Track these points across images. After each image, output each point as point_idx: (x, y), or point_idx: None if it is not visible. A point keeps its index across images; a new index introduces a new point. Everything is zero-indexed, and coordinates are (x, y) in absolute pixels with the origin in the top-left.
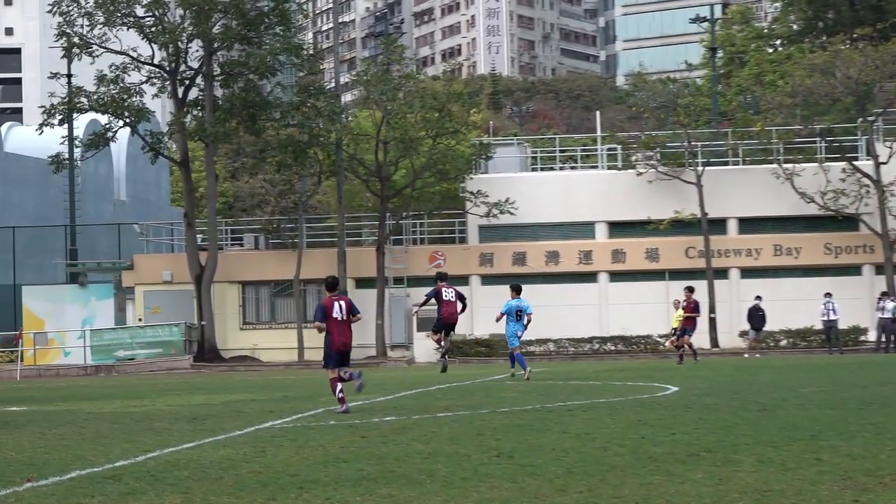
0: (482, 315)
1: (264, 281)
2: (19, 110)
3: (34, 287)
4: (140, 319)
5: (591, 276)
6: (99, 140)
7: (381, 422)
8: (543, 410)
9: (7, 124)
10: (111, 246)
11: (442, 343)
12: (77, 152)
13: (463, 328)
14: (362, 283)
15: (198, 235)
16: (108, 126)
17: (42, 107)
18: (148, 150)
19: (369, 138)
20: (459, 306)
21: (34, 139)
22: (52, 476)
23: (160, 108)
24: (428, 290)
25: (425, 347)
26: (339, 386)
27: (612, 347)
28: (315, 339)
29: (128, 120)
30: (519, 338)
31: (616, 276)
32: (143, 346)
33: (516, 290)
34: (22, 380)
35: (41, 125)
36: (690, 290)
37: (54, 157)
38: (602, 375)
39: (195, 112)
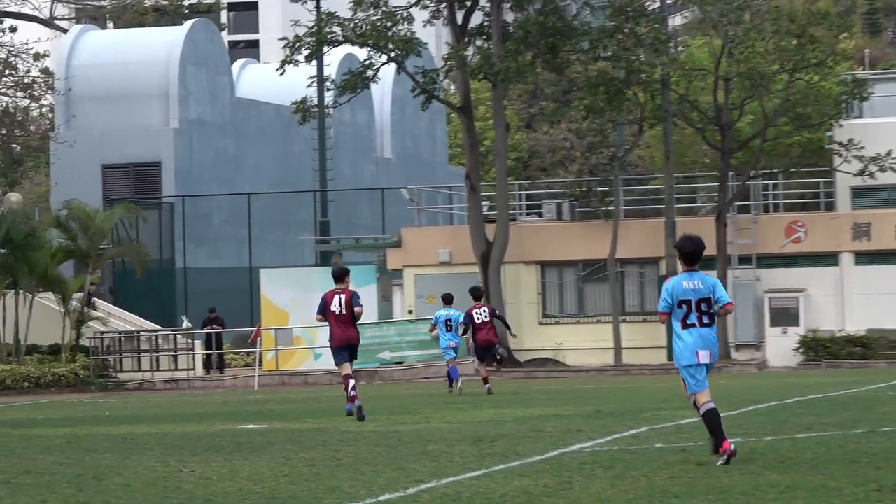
0: (856, 306)
1: (570, 261)
2: (255, 44)
3: (275, 270)
4: (410, 311)
5: None
6: (356, 81)
7: None
8: None
9: (240, 62)
10: (373, 217)
11: (487, 381)
12: (329, 97)
13: (830, 323)
14: None
15: (484, 202)
16: (367, 62)
17: (284, 39)
18: (419, 92)
19: (705, 74)
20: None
21: (274, 81)
22: None
23: (434, 38)
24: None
25: (780, 347)
26: (352, 383)
27: None
28: (636, 338)
29: (393, 54)
30: (454, 349)
31: None
32: (415, 345)
33: (447, 301)
34: (260, 389)
35: (283, 63)
36: None
37: (300, 104)
38: None
39: (479, 43)
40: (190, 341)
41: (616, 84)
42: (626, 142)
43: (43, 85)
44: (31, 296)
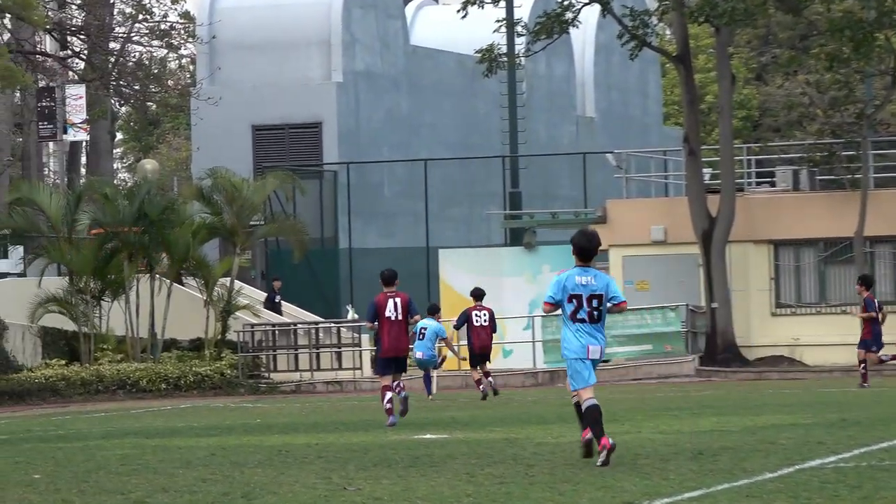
0: None
1: (809, 240)
2: None
3: (456, 251)
4: None
5: None
6: (553, 25)
7: None
8: None
9: (415, 4)
10: (573, 187)
11: (481, 382)
12: (520, 44)
13: None
14: None
15: (705, 170)
16: (566, 3)
17: None
18: (627, 38)
19: None
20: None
21: (455, 25)
22: None
23: None
24: None
25: None
26: (389, 395)
27: None
28: (891, 332)
29: None
30: (420, 359)
31: None
32: (623, 340)
33: (431, 312)
34: (439, 392)
35: (465, 4)
36: (861, 280)
37: (485, 53)
38: None
39: None
40: (356, 335)
41: (864, 27)
42: (877, 96)
43: (183, 32)
44: (168, 281)
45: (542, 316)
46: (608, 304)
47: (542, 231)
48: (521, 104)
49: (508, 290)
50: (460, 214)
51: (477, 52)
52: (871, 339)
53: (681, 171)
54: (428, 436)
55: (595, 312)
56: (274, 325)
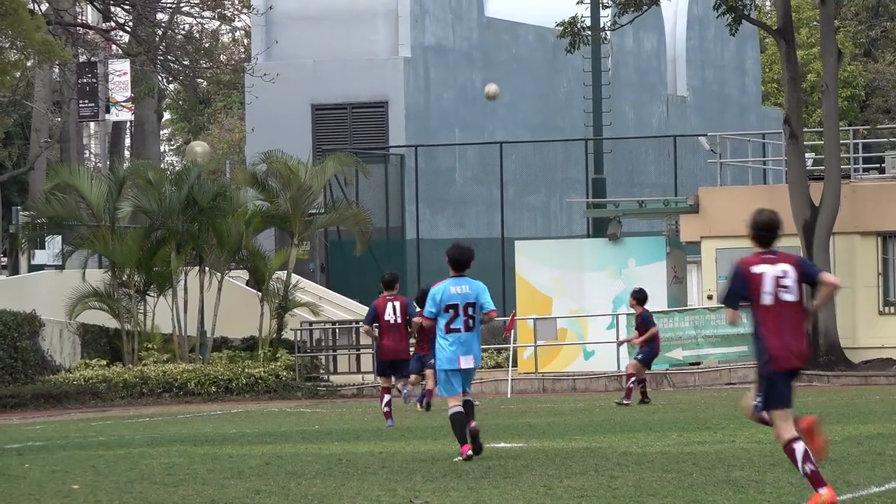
0: None
1: None
2: None
3: (532, 243)
4: (710, 297)
5: None
6: None
7: None
8: None
9: None
10: (663, 173)
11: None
12: (605, 15)
13: None
14: None
15: (808, 154)
16: None
17: None
18: (724, 10)
19: None
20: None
21: None
22: None
23: None
24: None
25: None
26: (387, 398)
27: None
28: None
29: None
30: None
31: None
32: (716, 341)
33: None
34: (515, 396)
35: None
36: (636, 294)
37: (567, 26)
38: None
39: None
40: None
41: None
42: None
43: (236, 2)
44: (219, 275)
45: (627, 314)
46: (480, 314)
47: (627, 221)
48: (606, 82)
49: (590, 285)
50: (538, 202)
51: (558, 24)
52: (647, 348)
53: (781, 155)
54: (501, 444)
55: (470, 321)
56: (334, 324)
